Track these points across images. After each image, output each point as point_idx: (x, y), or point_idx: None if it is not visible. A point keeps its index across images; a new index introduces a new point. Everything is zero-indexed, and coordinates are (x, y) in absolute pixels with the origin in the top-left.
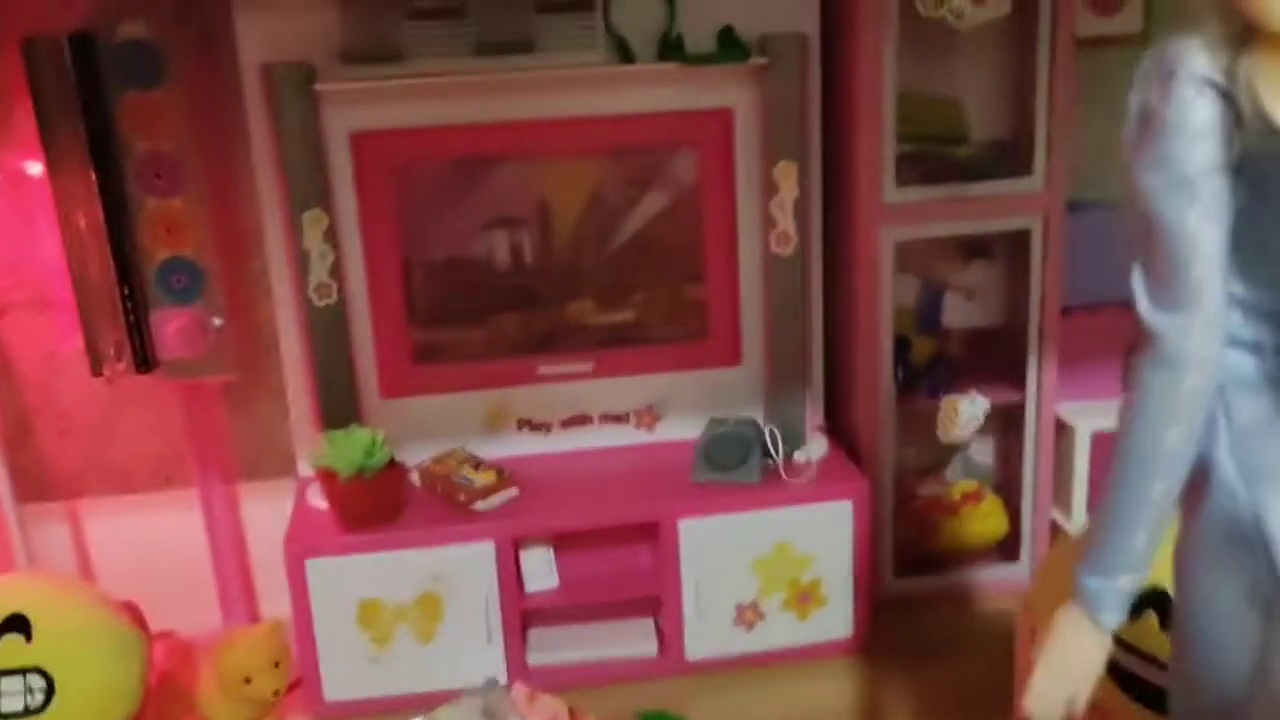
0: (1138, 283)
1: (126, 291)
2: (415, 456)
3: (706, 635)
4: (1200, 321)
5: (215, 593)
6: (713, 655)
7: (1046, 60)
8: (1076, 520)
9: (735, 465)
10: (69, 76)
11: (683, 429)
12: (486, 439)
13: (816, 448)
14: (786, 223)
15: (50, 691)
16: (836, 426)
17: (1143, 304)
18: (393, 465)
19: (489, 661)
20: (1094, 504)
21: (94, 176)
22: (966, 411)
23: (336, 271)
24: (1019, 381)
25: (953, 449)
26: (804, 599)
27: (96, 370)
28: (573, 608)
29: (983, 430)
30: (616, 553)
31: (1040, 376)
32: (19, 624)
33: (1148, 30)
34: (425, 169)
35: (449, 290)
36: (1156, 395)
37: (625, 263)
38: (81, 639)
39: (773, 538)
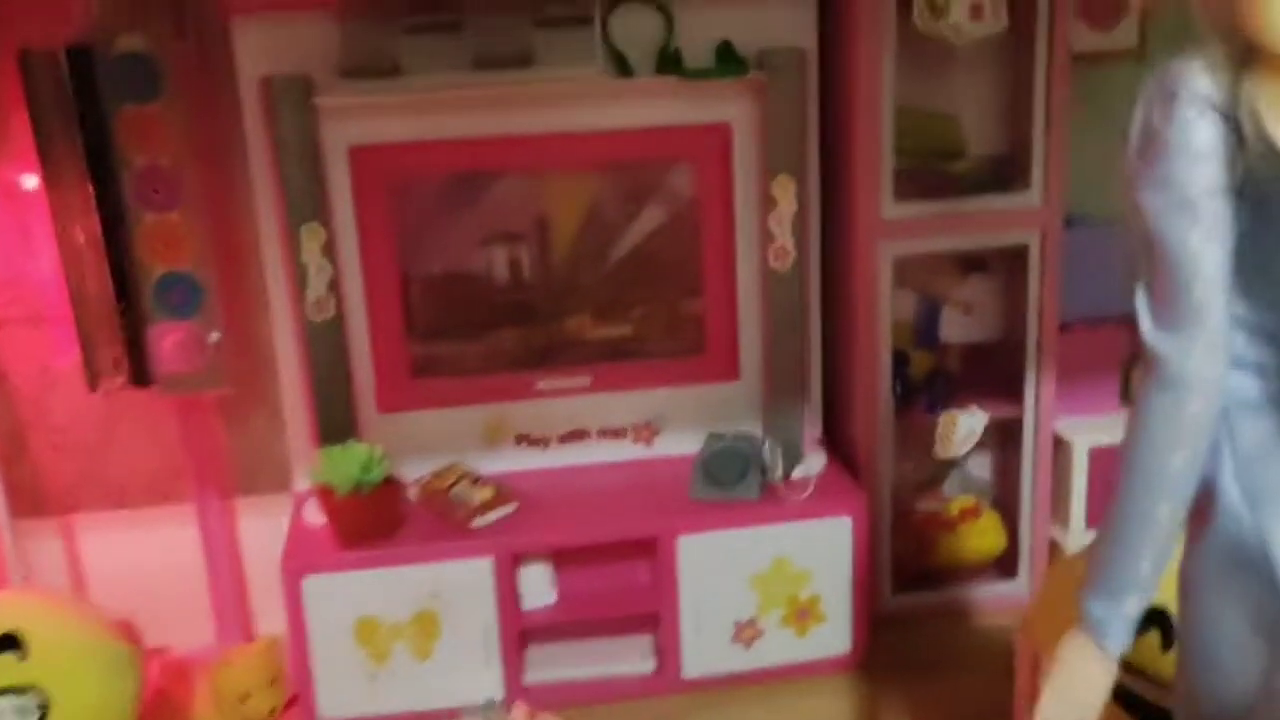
0: (1141, 304)
1: (123, 306)
2: (413, 471)
3: (704, 652)
4: (1203, 343)
5: (211, 609)
6: (711, 672)
7: (1043, 75)
8: (1074, 536)
9: (734, 482)
10: (66, 89)
11: (681, 444)
12: (484, 454)
13: (815, 463)
14: (784, 237)
15: (45, 710)
16: (835, 441)
17: (1145, 325)
18: (390, 481)
19: (487, 679)
20: (1093, 519)
21: (91, 190)
22: (965, 426)
23: (334, 286)
24: (1017, 397)
25: (950, 464)
26: (802, 615)
27: (93, 385)
28: (570, 624)
29: (980, 445)
30: (614, 569)
31: (1038, 392)
32: (13, 642)
33: (1144, 45)
34: (423, 183)
35: (447, 305)
36: (1160, 418)
37: (623, 277)
38: (76, 657)
39: (771, 554)
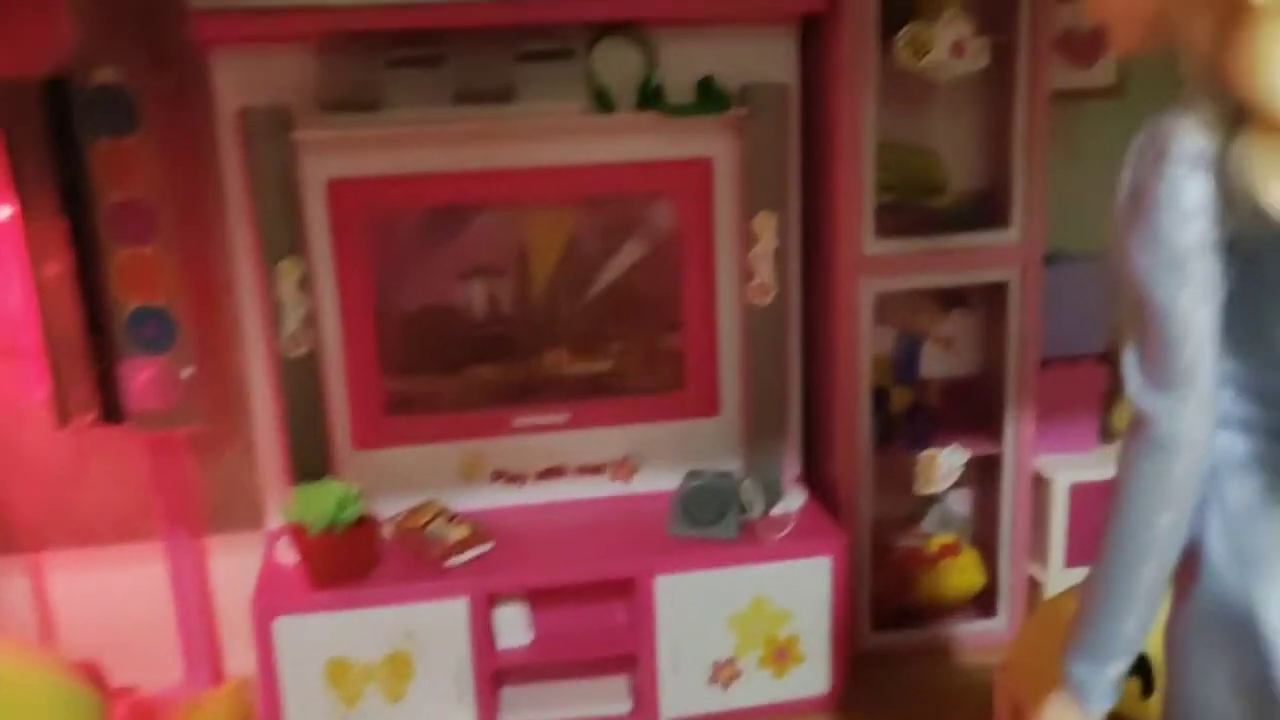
0: (1130, 363)
1: (96, 341)
2: (389, 509)
3: (682, 693)
4: (1193, 403)
5: (180, 648)
6: (688, 714)
7: (1023, 113)
8: (1054, 574)
9: (712, 521)
10: (42, 123)
11: (660, 480)
12: (461, 491)
13: (794, 500)
14: (765, 273)
15: None
16: (814, 478)
17: (1134, 384)
18: (364, 520)
19: None
20: (1073, 557)
21: (66, 224)
22: (945, 464)
23: (310, 321)
24: (996, 433)
25: (930, 500)
26: (781, 656)
27: (63, 421)
28: (546, 665)
29: (960, 481)
30: (591, 608)
31: (1018, 428)
32: None
33: (1122, 83)
34: (403, 217)
35: (424, 340)
36: (1147, 478)
37: (602, 313)
38: (37, 703)
39: (750, 594)
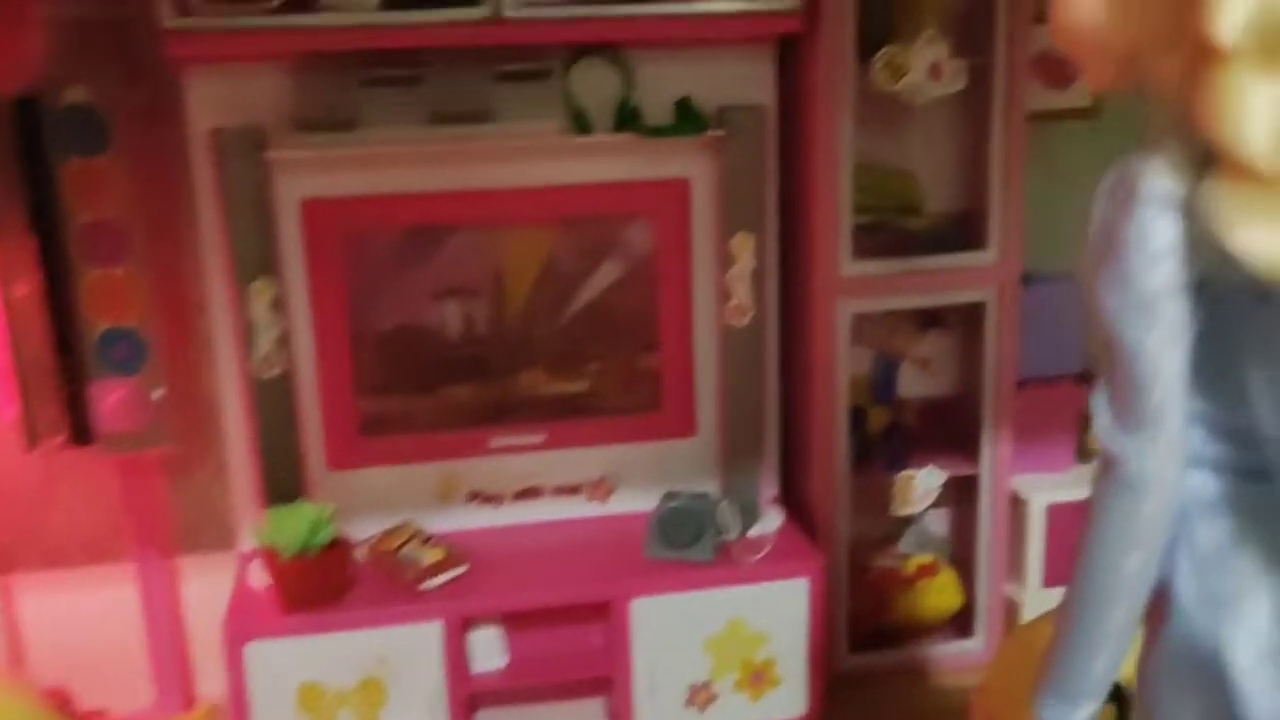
0: (1100, 403)
1: (65, 362)
2: (364, 530)
3: (658, 717)
4: (1162, 444)
5: (151, 671)
6: None
7: (999, 134)
8: (1031, 594)
9: (689, 543)
10: (11, 142)
11: (636, 501)
12: (436, 512)
13: (771, 521)
14: (742, 294)
15: None
16: (792, 498)
17: (1103, 425)
18: (338, 543)
19: None
20: (1050, 578)
21: (35, 244)
22: (923, 485)
23: (283, 342)
24: (974, 454)
25: (907, 520)
26: (757, 678)
27: (32, 443)
28: (522, 688)
29: (938, 501)
30: (567, 631)
31: (994, 449)
32: None
33: (1098, 104)
34: (378, 237)
35: (400, 360)
36: (1117, 520)
37: (579, 333)
38: None
39: (726, 616)
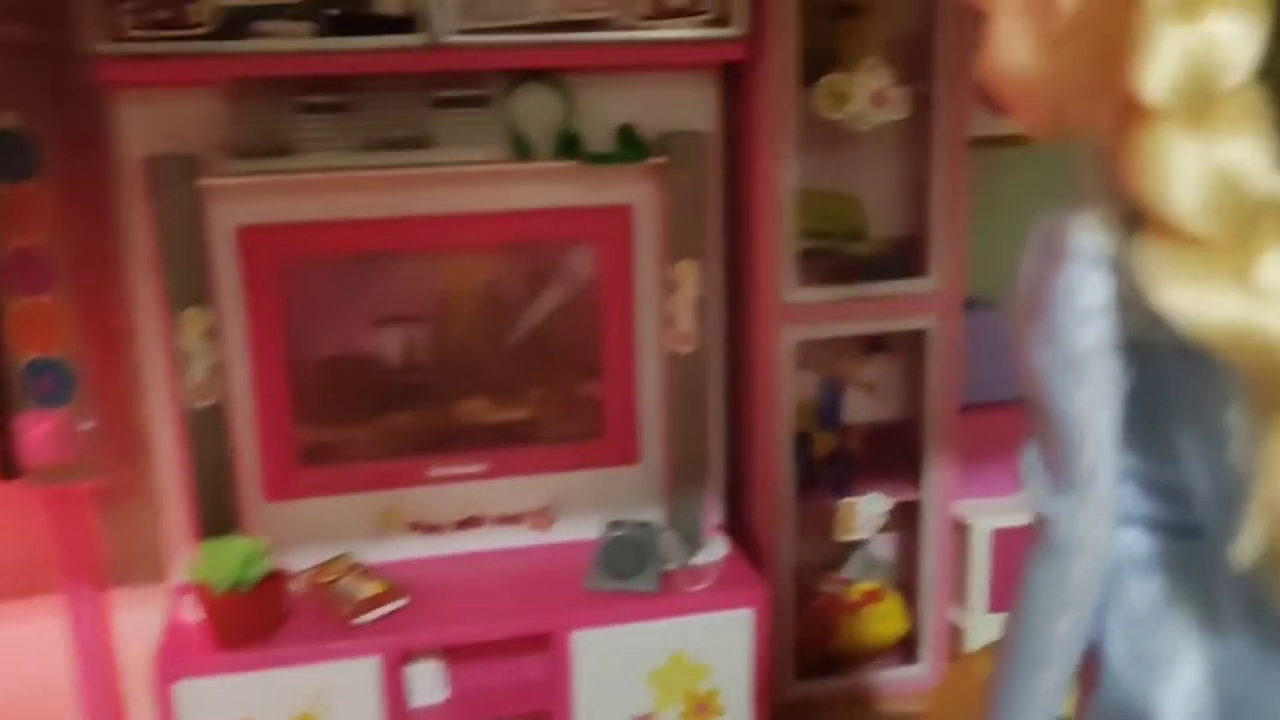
0: (1029, 464)
1: None
2: (302, 562)
3: None
4: (1092, 506)
5: (81, 708)
6: None
7: (942, 160)
8: (975, 620)
9: (632, 573)
10: None
11: (579, 530)
12: (376, 542)
13: (716, 549)
14: (686, 321)
15: None
16: (737, 524)
17: (1033, 486)
18: (273, 576)
19: None
20: (995, 603)
21: None
22: (866, 511)
23: (218, 371)
24: (918, 479)
25: (852, 545)
26: (701, 710)
27: None
28: None
29: (884, 526)
30: (508, 663)
31: (938, 475)
32: None
33: None
34: (315, 264)
35: (338, 389)
36: (1047, 584)
37: (521, 360)
38: None
39: (669, 648)
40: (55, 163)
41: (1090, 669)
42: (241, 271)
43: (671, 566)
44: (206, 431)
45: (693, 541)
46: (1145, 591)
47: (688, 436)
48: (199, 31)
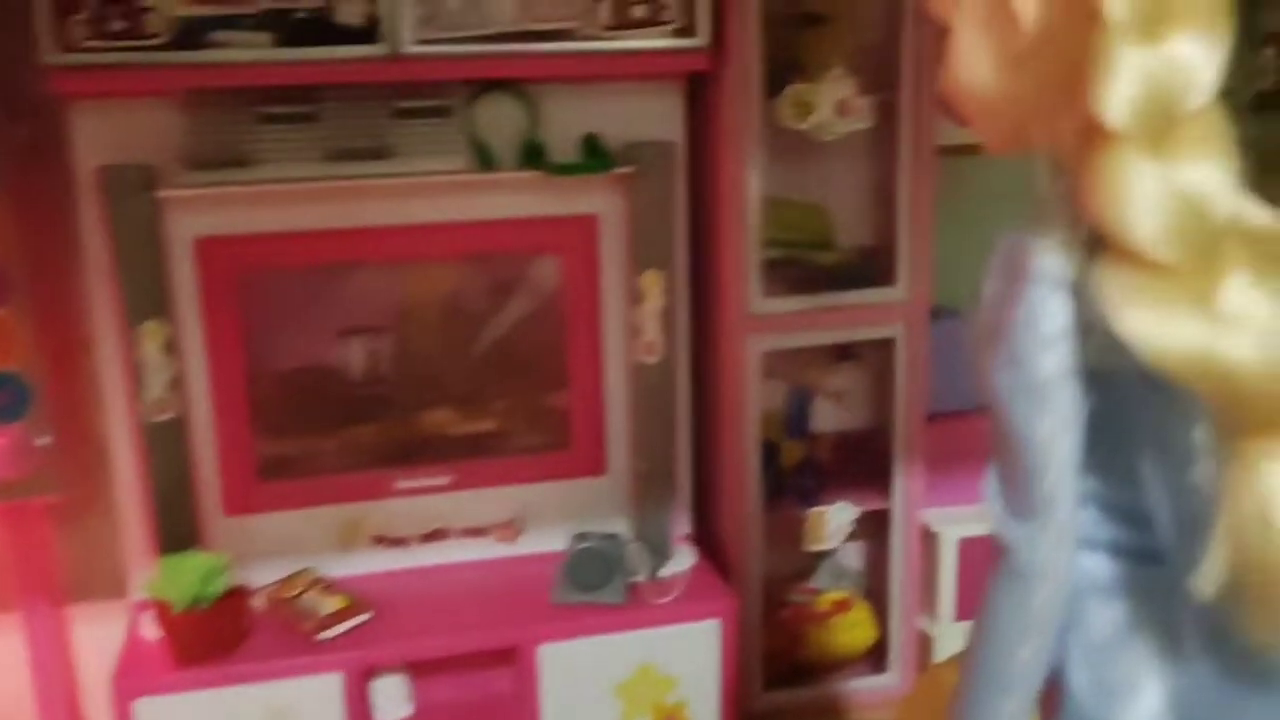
0: (990, 489)
1: None
2: (264, 577)
3: None
4: (1053, 532)
5: None
6: None
7: (908, 170)
8: (944, 628)
9: (599, 585)
10: None
11: (546, 542)
12: (340, 557)
13: (683, 560)
14: (653, 331)
15: None
16: (704, 535)
17: (994, 512)
18: (234, 592)
19: None
20: (962, 611)
21: None
22: (834, 521)
23: (177, 384)
24: (886, 488)
25: (821, 554)
26: None
27: None
28: None
29: (852, 535)
30: (474, 677)
31: (906, 483)
32: None
33: None
34: (275, 276)
35: (300, 401)
36: (1008, 611)
37: (486, 371)
38: None
39: (636, 661)
40: (10, 174)
41: (1052, 695)
42: (200, 283)
43: (639, 578)
44: (165, 445)
45: (660, 552)
46: (1107, 617)
47: (655, 447)
48: (155, 42)
